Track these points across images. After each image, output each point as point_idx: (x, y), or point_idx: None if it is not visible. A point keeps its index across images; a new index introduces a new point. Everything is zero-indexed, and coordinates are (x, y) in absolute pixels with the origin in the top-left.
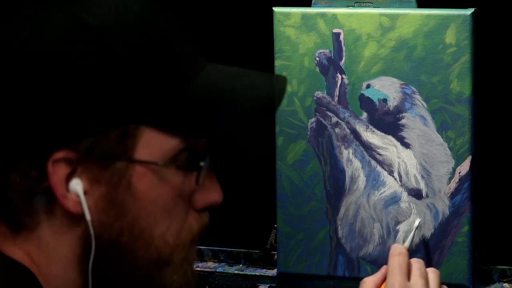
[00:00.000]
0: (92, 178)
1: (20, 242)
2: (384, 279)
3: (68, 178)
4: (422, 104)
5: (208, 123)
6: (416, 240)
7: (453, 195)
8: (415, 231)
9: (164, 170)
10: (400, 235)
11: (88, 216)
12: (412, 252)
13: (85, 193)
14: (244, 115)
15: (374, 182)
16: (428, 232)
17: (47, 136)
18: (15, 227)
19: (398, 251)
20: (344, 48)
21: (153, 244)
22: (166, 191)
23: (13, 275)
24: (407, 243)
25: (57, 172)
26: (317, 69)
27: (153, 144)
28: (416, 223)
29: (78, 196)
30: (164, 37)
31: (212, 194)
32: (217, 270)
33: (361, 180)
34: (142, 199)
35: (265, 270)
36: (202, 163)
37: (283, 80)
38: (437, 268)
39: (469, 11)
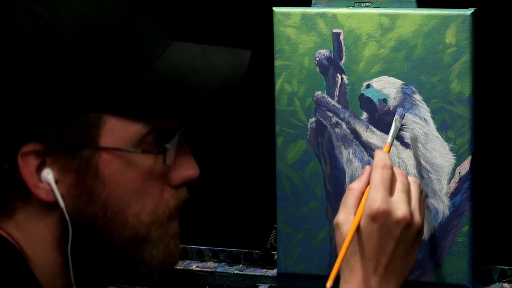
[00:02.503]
0: (62, 167)
1: (1, 224)
2: (368, 184)
3: (39, 169)
4: (422, 104)
5: (171, 105)
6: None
7: (453, 195)
8: (395, 126)
9: (130, 154)
10: None
11: (62, 203)
12: None
13: (57, 181)
14: (210, 97)
15: None
16: (428, 232)
17: (14, 131)
18: None
19: (382, 163)
20: (344, 48)
21: (128, 224)
22: (136, 174)
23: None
24: (389, 139)
25: (27, 164)
26: (317, 69)
27: (116, 131)
28: (395, 120)
29: (50, 185)
30: (120, 24)
31: (187, 171)
32: (217, 270)
33: None
34: (112, 183)
35: (265, 270)
36: (167, 145)
37: (244, 55)
38: (437, 268)
39: (469, 11)
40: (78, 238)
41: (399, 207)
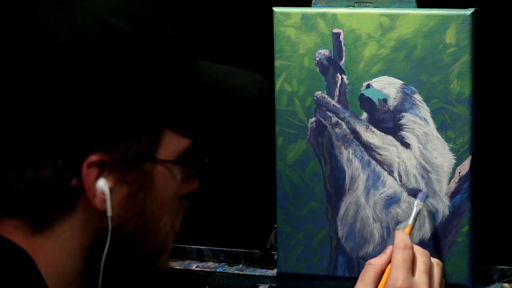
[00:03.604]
0: (119, 177)
1: (37, 237)
2: (388, 263)
3: (96, 178)
4: (422, 104)
5: (216, 122)
6: (416, 238)
7: (453, 195)
8: (416, 209)
9: (174, 167)
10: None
11: (109, 213)
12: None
13: (110, 191)
14: (240, 112)
15: (374, 182)
16: (428, 232)
17: (84, 140)
18: (37, 225)
19: (403, 244)
20: (344, 48)
21: (158, 233)
22: (174, 185)
23: (9, 256)
24: (410, 221)
25: (90, 174)
26: (317, 69)
27: (171, 145)
28: (416, 204)
29: (104, 194)
30: (180, 43)
31: (193, 182)
32: (217, 270)
33: (361, 180)
34: (158, 195)
35: (265, 270)
36: (206, 160)
37: (261, 78)
38: None
39: (469, 11)
40: (111, 246)
41: None
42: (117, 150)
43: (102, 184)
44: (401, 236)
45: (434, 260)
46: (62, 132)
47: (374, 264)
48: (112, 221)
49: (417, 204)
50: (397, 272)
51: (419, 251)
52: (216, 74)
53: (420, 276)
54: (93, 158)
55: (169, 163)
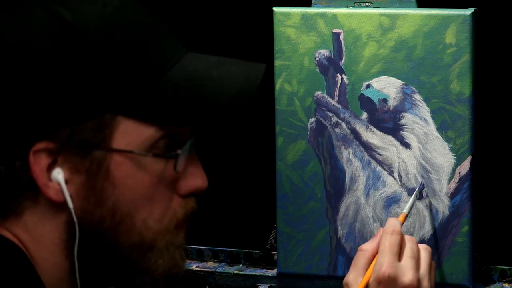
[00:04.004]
0: (72, 167)
1: (9, 225)
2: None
3: (50, 168)
4: (422, 104)
5: (185, 111)
6: (416, 238)
7: (453, 195)
8: (414, 197)
9: (142, 158)
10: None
11: (70, 204)
12: None
13: (66, 181)
14: (225, 106)
15: (374, 182)
16: (428, 232)
17: (28, 128)
18: (3, 213)
19: (391, 229)
20: (344, 48)
21: (135, 229)
22: (146, 178)
23: (4, 251)
24: (406, 210)
25: (38, 162)
26: (317, 69)
27: (129, 134)
28: (416, 191)
29: (59, 184)
30: (139, 30)
31: (196, 180)
32: (217, 270)
33: (361, 180)
34: (121, 186)
35: (265, 270)
36: (179, 151)
37: (259, 68)
38: (437, 268)
39: (469, 11)
40: (85, 241)
41: (407, 273)
42: (60, 137)
43: (56, 174)
44: (391, 222)
45: (422, 245)
46: (7, 121)
47: (365, 250)
48: (77, 214)
49: (414, 194)
50: (382, 258)
51: (407, 238)
52: (197, 64)
53: (406, 260)
54: (39, 146)
55: (126, 152)
